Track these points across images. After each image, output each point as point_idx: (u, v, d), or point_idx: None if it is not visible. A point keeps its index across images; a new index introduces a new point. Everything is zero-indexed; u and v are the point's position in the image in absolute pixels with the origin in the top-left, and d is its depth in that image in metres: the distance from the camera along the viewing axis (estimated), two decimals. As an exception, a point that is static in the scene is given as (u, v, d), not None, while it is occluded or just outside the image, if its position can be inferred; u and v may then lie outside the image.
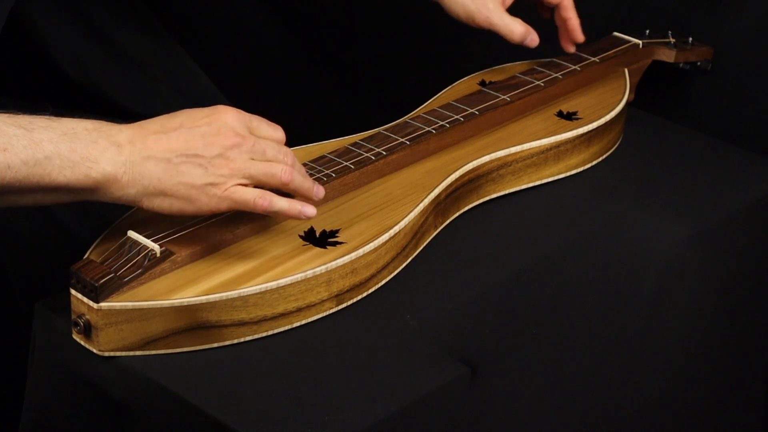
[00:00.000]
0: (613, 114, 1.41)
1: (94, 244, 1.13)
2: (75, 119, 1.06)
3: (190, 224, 1.14)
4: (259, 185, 1.10)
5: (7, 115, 1.04)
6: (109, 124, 1.07)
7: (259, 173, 1.10)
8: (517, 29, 1.44)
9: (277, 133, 1.13)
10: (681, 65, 1.57)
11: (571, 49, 1.51)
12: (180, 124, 1.09)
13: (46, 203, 1.07)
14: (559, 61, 1.49)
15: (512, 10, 1.47)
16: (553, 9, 1.51)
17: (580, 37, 1.50)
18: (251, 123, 1.11)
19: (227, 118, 1.09)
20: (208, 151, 1.08)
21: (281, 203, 1.11)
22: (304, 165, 1.23)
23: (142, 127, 1.08)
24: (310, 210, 1.12)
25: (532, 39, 1.45)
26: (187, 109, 1.11)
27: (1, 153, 1.01)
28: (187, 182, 1.07)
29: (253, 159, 1.09)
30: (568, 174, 1.39)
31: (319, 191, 1.15)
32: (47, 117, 1.05)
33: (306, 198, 1.14)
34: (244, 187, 1.09)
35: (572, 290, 1.26)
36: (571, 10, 1.49)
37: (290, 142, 1.16)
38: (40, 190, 1.05)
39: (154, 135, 1.07)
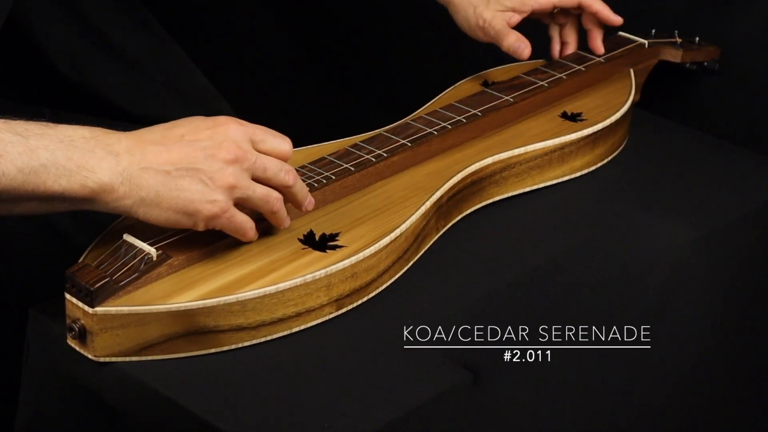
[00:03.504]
0: (618, 115, 1.40)
1: (89, 248, 1.12)
2: (72, 126, 1.05)
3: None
4: (252, 208, 1.10)
5: (2, 121, 1.02)
6: (107, 131, 1.06)
7: (256, 197, 1.09)
8: (511, 36, 1.43)
9: (284, 144, 1.11)
10: (688, 65, 1.56)
11: (601, 50, 1.49)
12: (181, 136, 1.07)
13: (40, 212, 1.06)
14: (563, 61, 1.48)
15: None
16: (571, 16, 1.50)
17: (615, 19, 1.49)
18: (255, 135, 1.10)
19: (229, 130, 1.08)
20: (209, 165, 1.06)
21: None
22: (304, 167, 1.22)
23: (141, 136, 1.07)
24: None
25: (522, 49, 1.43)
26: (189, 118, 1.10)
27: None
28: (186, 197, 1.06)
29: (253, 176, 1.08)
30: (573, 176, 1.38)
31: (309, 203, 1.15)
32: (44, 123, 1.04)
33: (296, 206, 1.15)
34: (242, 214, 1.09)
35: (576, 294, 1.25)
36: (595, 3, 1.47)
37: (289, 144, 1.15)
38: (35, 199, 1.03)
39: (154, 146, 1.06)
